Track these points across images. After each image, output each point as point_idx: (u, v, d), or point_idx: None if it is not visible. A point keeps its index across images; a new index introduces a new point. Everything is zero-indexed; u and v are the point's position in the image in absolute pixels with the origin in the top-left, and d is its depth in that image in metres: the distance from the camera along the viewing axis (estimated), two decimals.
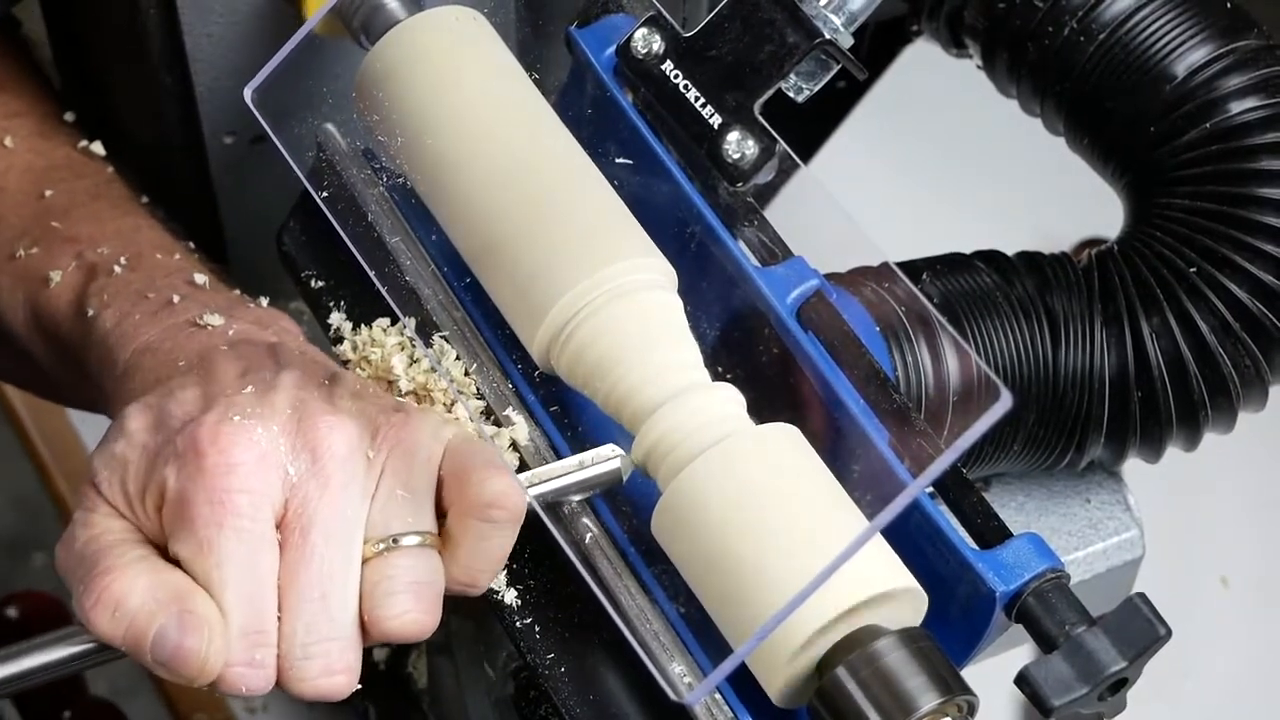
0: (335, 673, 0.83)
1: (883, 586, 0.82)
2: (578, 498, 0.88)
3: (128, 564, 0.81)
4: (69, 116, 1.10)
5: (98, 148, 1.07)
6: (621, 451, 0.88)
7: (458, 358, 0.93)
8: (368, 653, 0.85)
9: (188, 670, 0.81)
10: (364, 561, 0.83)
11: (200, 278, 0.96)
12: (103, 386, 0.93)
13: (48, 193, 1.02)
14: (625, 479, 0.88)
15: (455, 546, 0.84)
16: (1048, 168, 1.19)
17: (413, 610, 0.83)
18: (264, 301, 0.96)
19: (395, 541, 0.83)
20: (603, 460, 0.88)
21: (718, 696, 0.85)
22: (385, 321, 0.95)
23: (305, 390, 0.85)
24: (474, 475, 0.84)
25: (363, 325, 0.96)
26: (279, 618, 0.82)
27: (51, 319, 0.97)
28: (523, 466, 0.91)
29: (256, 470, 0.81)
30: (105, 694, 1.53)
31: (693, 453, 0.84)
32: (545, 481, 0.88)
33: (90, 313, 0.94)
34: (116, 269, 0.96)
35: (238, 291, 0.97)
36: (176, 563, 0.82)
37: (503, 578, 0.90)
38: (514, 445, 0.91)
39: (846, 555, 0.79)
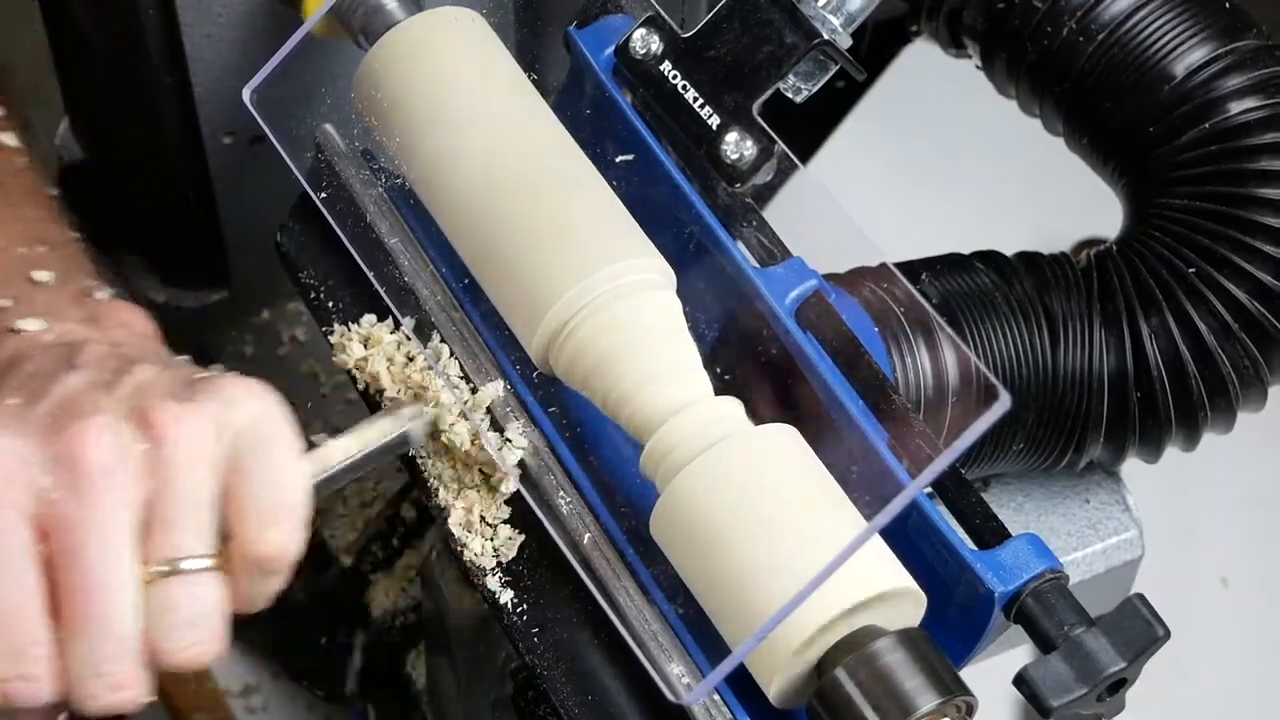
0: (125, 688, 0.80)
1: (881, 587, 0.82)
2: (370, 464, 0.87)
3: None
4: None
5: (8, 139, 1.03)
6: (424, 408, 0.87)
7: (453, 355, 0.93)
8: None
9: None
10: (147, 583, 0.79)
11: (43, 275, 0.92)
12: None
13: None
14: (422, 439, 0.86)
15: (234, 577, 0.81)
16: (1046, 168, 1.19)
17: (200, 642, 0.80)
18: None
19: (176, 565, 0.79)
20: (399, 425, 0.87)
21: (716, 697, 0.85)
22: (372, 318, 0.95)
23: (83, 394, 0.81)
24: (253, 521, 0.80)
25: (350, 323, 0.95)
26: (61, 637, 0.78)
27: None
28: (526, 472, 0.91)
29: None
30: None
31: (691, 453, 0.84)
32: (335, 465, 0.86)
33: None
34: None
35: (91, 282, 0.93)
36: None
37: (501, 578, 0.90)
38: (519, 450, 0.91)
39: (845, 556, 0.79)
